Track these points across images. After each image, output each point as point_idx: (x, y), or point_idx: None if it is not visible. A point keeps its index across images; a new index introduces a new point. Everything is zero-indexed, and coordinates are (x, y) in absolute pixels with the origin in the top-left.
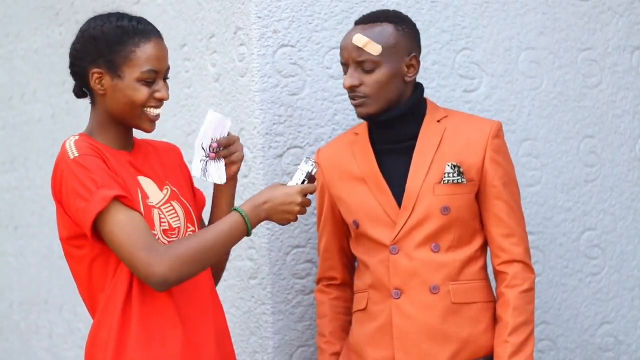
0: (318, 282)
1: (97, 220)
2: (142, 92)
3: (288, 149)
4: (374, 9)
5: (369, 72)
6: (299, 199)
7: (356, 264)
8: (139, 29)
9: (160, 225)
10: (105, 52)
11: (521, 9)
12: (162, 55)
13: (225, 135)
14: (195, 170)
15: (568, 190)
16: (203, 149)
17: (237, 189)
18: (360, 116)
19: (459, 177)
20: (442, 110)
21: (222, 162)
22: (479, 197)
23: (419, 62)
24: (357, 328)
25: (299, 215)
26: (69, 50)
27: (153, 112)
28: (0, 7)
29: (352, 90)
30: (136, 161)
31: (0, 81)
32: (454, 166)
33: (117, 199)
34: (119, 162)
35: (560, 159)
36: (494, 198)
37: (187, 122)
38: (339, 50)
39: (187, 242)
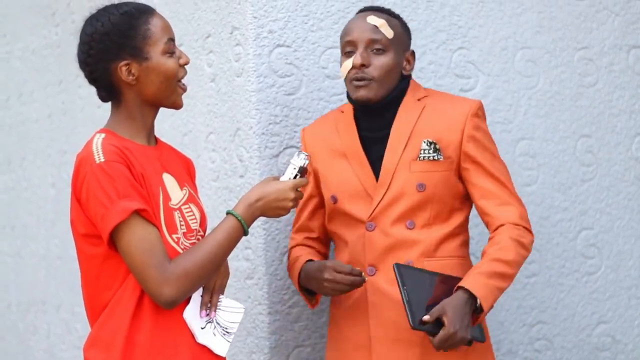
0: (293, 235)
1: (114, 230)
2: (172, 63)
3: (284, 148)
4: None
5: (378, 54)
6: (292, 195)
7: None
8: (140, 8)
9: (180, 228)
10: (125, 41)
11: (517, 8)
12: (168, 23)
13: (239, 322)
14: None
15: (564, 190)
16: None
17: (233, 188)
18: (361, 99)
19: (435, 154)
20: (423, 89)
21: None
22: (463, 176)
23: (414, 60)
24: (336, 303)
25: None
26: (68, 53)
27: (183, 83)
28: None
29: (361, 70)
30: (161, 156)
31: None
32: (430, 143)
33: (137, 212)
34: (147, 157)
35: (556, 158)
36: (480, 175)
37: (183, 122)
38: (342, 35)
39: (191, 257)
